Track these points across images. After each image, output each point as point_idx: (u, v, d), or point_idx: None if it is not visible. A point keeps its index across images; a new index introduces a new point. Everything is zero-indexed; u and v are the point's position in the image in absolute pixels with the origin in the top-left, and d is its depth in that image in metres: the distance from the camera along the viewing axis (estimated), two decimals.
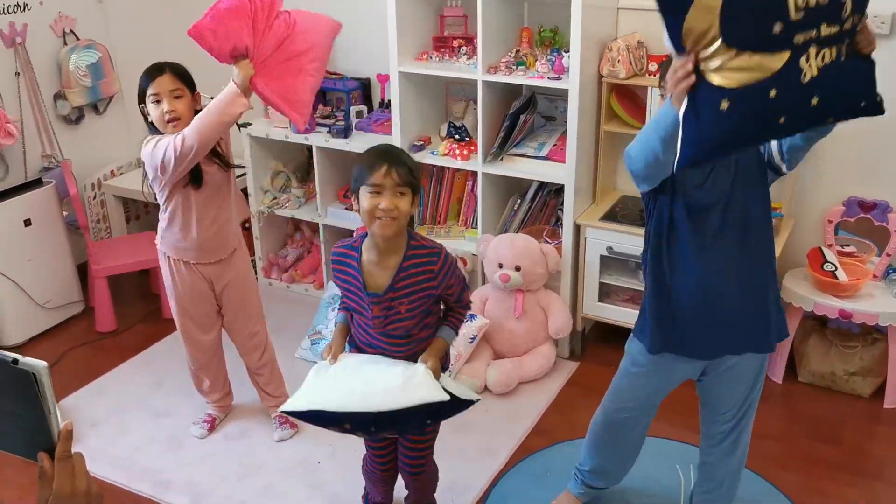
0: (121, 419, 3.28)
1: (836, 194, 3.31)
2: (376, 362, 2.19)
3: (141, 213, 4.48)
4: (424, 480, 2.55)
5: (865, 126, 3.15)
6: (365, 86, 4.05)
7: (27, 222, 3.74)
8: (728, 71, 1.62)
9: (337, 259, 2.24)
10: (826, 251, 3.27)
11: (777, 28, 1.59)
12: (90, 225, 4.19)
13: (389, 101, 3.69)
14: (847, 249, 3.31)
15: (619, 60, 3.26)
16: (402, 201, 2.07)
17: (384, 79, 3.93)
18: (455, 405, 2.15)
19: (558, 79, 3.28)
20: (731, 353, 2.26)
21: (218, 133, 2.62)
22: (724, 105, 1.62)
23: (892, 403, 3.25)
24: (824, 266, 3.21)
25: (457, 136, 3.62)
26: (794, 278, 3.31)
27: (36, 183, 3.84)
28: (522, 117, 3.48)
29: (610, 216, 3.46)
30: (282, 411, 2.24)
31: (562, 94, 3.34)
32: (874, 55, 1.75)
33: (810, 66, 1.62)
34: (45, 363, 1.18)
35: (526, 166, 3.51)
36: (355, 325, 2.30)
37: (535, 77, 3.32)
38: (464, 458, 3.00)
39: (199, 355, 3.10)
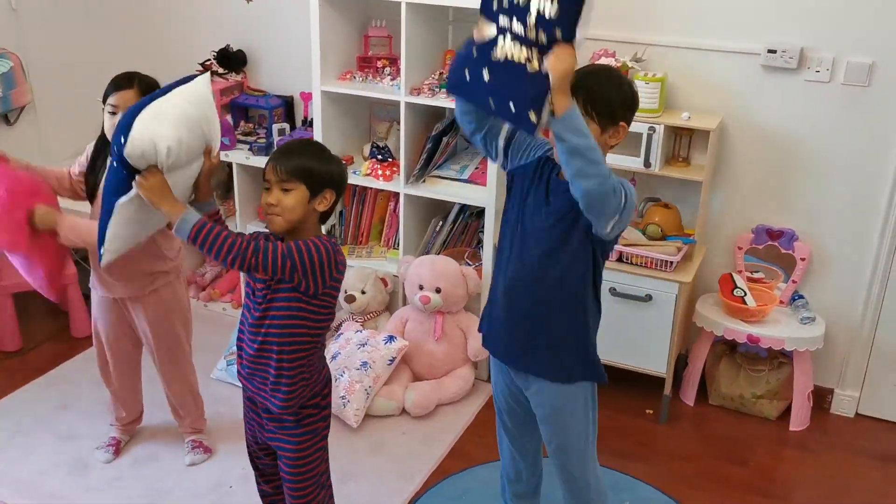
0: (24, 442, 3.15)
1: (746, 222, 3.42)
2: None
3: None
4: None
5: (773, 157, 3.29)
6: (288, 103, 4.02)
7: None
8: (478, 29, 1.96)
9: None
10: (736, 277, 3.37)
11: (495, 5, 1.91)
12: None
13: (312, 119, 3.67)
14: (756, 276, 3.42)
15: None
16: (287, 197, 2.02)
17: (307, 97, 3.91)
18: None
19: None
20: (508, 363, 2.29)
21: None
22: (464, 50, 1.99)
23: (798, 426, 3.36)
24: (734, 292, 3.31)
25: (380, 157, 3.62)
26: (705, 303, 3.40)
27: None
28: (445, 140, 3.50)
29: None
30: None
31: None
32: None
33: (503, 49, 1.89)
34: None
35: (448, 188, 3.52)
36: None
37: None
38: (379, 480, 2.97)
39: (118, 390, 3.02)
